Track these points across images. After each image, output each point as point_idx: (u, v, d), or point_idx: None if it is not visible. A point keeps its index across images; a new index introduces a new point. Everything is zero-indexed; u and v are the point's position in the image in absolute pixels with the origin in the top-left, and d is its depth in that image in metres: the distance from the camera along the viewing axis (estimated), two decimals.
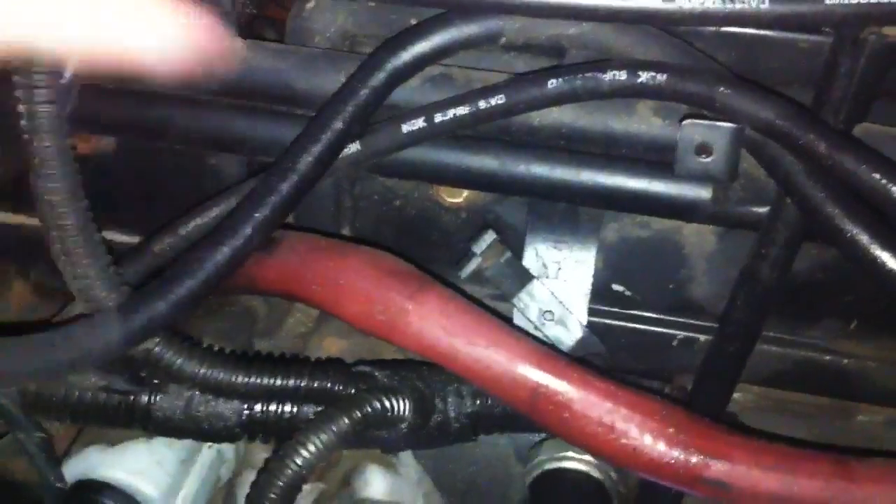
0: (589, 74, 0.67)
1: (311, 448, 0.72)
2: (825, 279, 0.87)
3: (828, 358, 0.90)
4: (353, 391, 0.78)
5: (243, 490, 0.79)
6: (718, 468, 0.68)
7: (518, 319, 0.87)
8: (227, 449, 0.93)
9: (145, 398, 0.79)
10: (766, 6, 0.56)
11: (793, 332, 0.91)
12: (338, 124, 0.69)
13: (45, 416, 0.80)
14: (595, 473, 0.86)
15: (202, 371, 0.73)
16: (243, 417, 0.79)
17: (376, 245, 0.80)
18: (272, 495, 0.72)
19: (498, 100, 0.70)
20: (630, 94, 0.68)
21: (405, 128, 0.73)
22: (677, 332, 0.91)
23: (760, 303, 0.78)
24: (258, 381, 0.76)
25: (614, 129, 0.75)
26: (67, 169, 0.62)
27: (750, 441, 0.70)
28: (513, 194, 0.85)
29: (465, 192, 0.90)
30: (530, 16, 0.65)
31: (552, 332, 0.86)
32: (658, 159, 0.75)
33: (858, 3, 0.56)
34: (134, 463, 0.84)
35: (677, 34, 0.71)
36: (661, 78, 0.66)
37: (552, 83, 0.69)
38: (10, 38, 0.51)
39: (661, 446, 0.68)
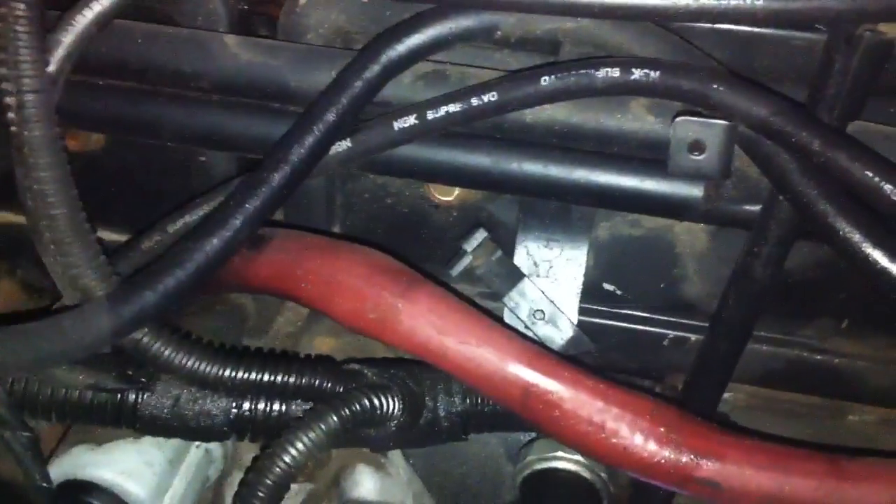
0: (582, 71, 0.67)
1: (300, 446, 0.72)
2: (817, 278, 0.86)
3: (820, 357, 0.90)
4: (342, 389, 0.78)
5: (232, 490, 0.78)
6: (710, 467, 0.68)
7: (509, 318, 0.87)
8: (216, 448, 0.92)
9: (133, 396, 0.78)
10: (760, 3, 0.56)
11: (785, 332, 0.91)
12: (330, 116, 0.69)
13: (31, 414, 0.79)
14: (585, 473, 0.85)
15: (190, 363, 0.73)
16: (231, 416, 0.78)
17: (367, 243, 0.80)
18: (260, 493, 0.71)
19: (490, 97, 0.70)
20: (623, 91, 0.68)
21: (397, 125, 0.72)
22: (669, 332, 0.91)
23: (752, 301, 0.78)
24: (246, 375, 0.75)
25: (607, 127, 0.75)
26: (57, 158, 0.62)
27: (742, 440, 0.70)
28: (505, 192, 0.84)
29: (457, 190, 0.90)
30: (529, 12, 0.65)
31: (543, 331, 0.86)
32: (651, 157, 0.75)
33: (853, 0, 0.56)
34: (121, 463, 0.83)
35: (673, 30, 0.71)
36: (655, 75, 0.66)
37: (545, 80, 0.68)
38: None
39: (652, 445, 0.68)
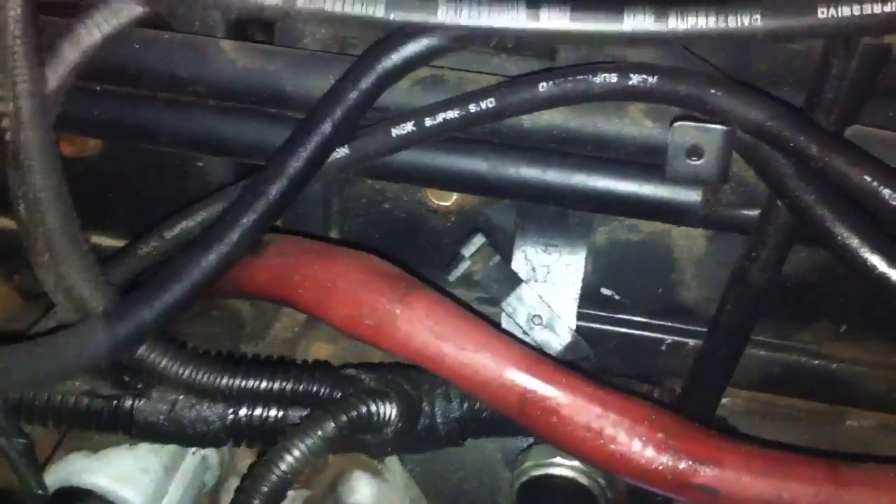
0: (580, 77, 0.67)
1: (297, 453, 0.71)
2: (815, 282, 0.86)
3: (817, 362, 0.90)
4: (339, 395, 0.78)
5: (228, 496, 0.78)
6: (708, 473, 0.67)
7: (506, 324, 0.87)
8: (212, 455, 0.92)
9: (129, 402, 0.78)
10: (759, 23, 0.56)
11: (783, 336, 0.91)
12: (326, 127, 0.68)
13: (27, 420, 0.79)
14: (583, 479, 0.85)
15: (187, 373, 0.72)
16: (228, 421, 0.78)
17: (365, 248, 0.80)
18: (256, 500, 0.71)
19: (488, 103, 0.69)
20: (621, 96, 0.68)
21: (395, 131, 0.72)
22: (667, 336, 0.91)
23: (750, 306, 0.78)
24: (244, 383, 0.75)
25: (605, 132, 0.74)
26: (52, 168, 0.61)
27: (740, 446, 0.69)
28: (503, 197, 0.84)
29: (455, 196, 0.90)
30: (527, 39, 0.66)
31: (540, 336, 0.86)
32: (649, 162, 0.75)
33: (851, 15, 0.56)
34: (117, 469, 0.83)
35: None
36: (652, 80, 0.65)
37: (543, 86, 0.68)
38: None
39: (650, 451, 0.68)
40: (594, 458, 0.70)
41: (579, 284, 0.88)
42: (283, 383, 0.76)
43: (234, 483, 0.80)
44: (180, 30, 0.80)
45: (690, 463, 0.67)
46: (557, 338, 0.86)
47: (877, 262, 0.64)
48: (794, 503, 0.67)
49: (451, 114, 0.70)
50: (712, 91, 0.65)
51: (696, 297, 0.90)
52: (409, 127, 0.71)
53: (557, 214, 0.87)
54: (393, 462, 0.94)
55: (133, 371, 0.75)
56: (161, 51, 0.77)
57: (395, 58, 0.68)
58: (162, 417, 0.78)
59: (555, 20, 0.56)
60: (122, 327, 0.63)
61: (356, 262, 0.77)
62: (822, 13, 0.56)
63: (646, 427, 0.68)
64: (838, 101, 0.65)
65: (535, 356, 0.72)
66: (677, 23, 0.56)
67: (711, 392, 0.84)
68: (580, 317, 0.88)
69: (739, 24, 0.56)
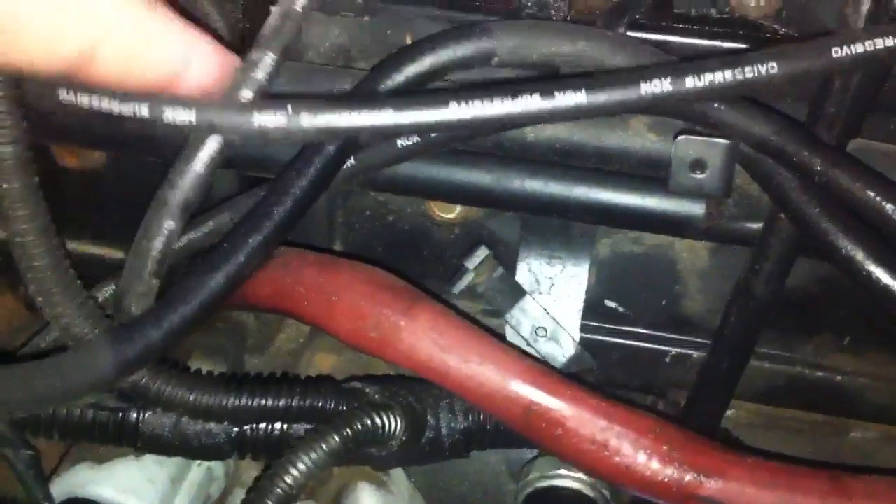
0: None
1: (301, 467, 0.71)
2: (818, 295, 0.87)
3: (821, 374, 0.90)
4: (343, 408, 0.78)
5: None
6: (713, 486, 0.67)
7: (511, 336, 0.87)
8: (218, 467, 0.92)
9: (134, 415, 0.78)
10: (775, 70, 0.56)
11: (786, 349, 0.91)
12: (331, 147, 0.68)
13: (33, 432, 0.79)
14: (588, 491, 0.85)
15: (192, 397, 0.72)
16: (233, 435, 0.78)
17: (368, 260, 0.80)
18: None
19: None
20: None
21: (400, 142, 0.72)
22: (670, 348, 0.91)
23: (754, 319, 0.77)
24: (249, 402, 0.74)
25: (608, 145, 0.75)
26: (36, 210, 0.60)
27: (744, 458, 0.69)
28: (506, 210, 0.84)
29: (458, 208, 0.90)
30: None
31: (545, 348, 0.86)
32: (652, 174, 0.75)
33: (864, 51, 0.56)
34: (123, 481, 0.83)
35: (672, 51, 0.71)
36: None
37: None
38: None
39: (655, 464, 0.68)
40: (599, 470, 0.70)
41: (583, 296, 0.88)
42: (288, 399, 0.76)
43: (239, 495, 0.81)
44: None
45: (695, 475, 0.68)
46: (561, 350, 0.86)
47: (881, 274, 0.64)
48: None
49: None
50: (715, 105, 0.65)
51: (699, 309, 0.90)
52: (413, 137, 0.72)
53: (561, 226, 0.87)
54: (397, 473, 0.94)
55: (137, 398, 0.75)
56: None
57: (399, 77, 0.68)
58: (167, 430, 0.78)
59: (570, 98, 0.56)
60: (128, 348, 0.62)
61: (360, 274, 0.77)
62: (836, 52, 0.56)
63: (651, 439, 0.68)
64: (841, 114, 0.65)
65: (539, 368, 0.72)
66: (694, 81, 0.56)
67: (716, 404, 0.84)
68: (584, 329, 0.88)
69: (756, 73, 0.56)
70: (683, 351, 0.91)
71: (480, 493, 0.97)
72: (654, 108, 0.57)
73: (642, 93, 0.56)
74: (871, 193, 0.61)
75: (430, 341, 0.71)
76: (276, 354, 1.01)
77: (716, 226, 0.77)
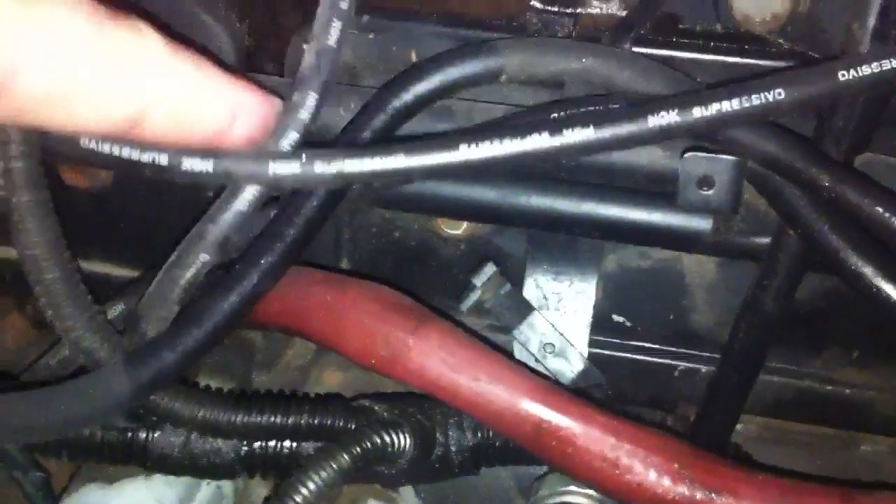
0: (591, 108, 0.67)
1: (311, 485, 0.71)
2: (827, 309, 0.86)
3: (830, 388, 0.90)
4: (353, 426, 0.78)
5: None
6: (723, 503, 0.67)
7: (518, 352, 0.87)
8: (227, 486, 0.92)
9: (143, 435, 0.78)
10: (783, 97, 0.56)
11: (795, 363, 0.91)
12: None
13: (42, 453, 0.79)
14: None
15: (201, 414, 0.72)
16: (242, 454, 0.78)
17: (375, 278, 0.80)
18: None
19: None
20: None
21: None
22: (679, 363, 0.91)
23: (763, 333, 0.77)
24: (258, 420, 0.75)
25: (615, 160, 0.75)
26: (47, 224, 0.61)
27: (755, 475, 0.69)
28: (513, 226, 0.84)
29: (465, 224, 0.90)
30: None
31: (553, 364, 0.86)
32: (659, 190, 0.75)
33: (871, 73, 0.56)
34: (132, 500, 0.83)
35: (679, 67, 0.71)
36: None
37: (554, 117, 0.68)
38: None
39: (666, 481, 0.68)
40: (609, 487, 0.70)
41: (591, 311, 0.88)
42: (297, 417, 0.76)
43: None
44: None
45: (706, 493, 0.67)
46: (570, 365, 0.86)
47: (890, 289, 0.65)
48: None
49: None
50: None
51: (707, 323, 0.90)
52: None
53: (568, 242, 0.87)
54: (407, 491, 0.94)
55: (147, 414, 0.75)
56: None
57: (407, 96, 0.69)
58: (176, 450, 0.78)
59: (578, 135, 0.56)
60: (143, 372, 0.63)
61: (369, 292, 0.77)
62: (843, 75, 0.56)
63: (661, 457, 0.68)
64: (848, 129, 0.66)
65: (549, 386, 0.72)
66: (702, 111, 0.56)
67: (725, 418, 0.84)
68: (592, 344, 0.88)
69: (763, 100, 0.56)
70: (692, 365, 0.91)
71: None
72: (663, 138, 0.57)
73: (650, 125, 0.56)
74: (880, 209, 0.61)
75: (439, 360, 0.71)
76: (283, 371, 1.01)
77: (723, 241, 0.77)
